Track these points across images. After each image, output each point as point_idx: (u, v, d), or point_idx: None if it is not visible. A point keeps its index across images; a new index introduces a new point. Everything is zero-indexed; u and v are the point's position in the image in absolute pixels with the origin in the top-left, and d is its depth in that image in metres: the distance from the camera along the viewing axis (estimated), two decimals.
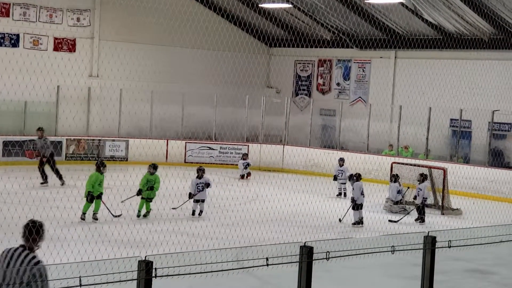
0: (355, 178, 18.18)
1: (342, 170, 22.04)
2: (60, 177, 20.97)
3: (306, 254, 6.58)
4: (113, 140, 27.66)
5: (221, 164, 28.15)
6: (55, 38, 27.74)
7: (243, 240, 14.17)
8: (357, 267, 11.79)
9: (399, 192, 20.10)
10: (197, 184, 17.61)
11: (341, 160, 22.39)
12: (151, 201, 16.96)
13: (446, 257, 10.62)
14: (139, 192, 16.76)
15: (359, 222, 17.67)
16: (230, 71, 28.05)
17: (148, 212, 16.92)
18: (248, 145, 28.57)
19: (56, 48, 27.72)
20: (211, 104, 28.96)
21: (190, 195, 17.53)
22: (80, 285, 5.72)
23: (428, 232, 7.65)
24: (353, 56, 30.82)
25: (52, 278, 5.74)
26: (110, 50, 27.22)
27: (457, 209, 20.39)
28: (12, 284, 6.62)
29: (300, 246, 6.67)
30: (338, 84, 31.61)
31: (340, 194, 21.92)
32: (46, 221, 14.30)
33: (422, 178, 19.07)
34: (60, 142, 26.37)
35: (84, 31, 28.47)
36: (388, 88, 29.47)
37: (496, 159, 24.84)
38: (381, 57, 29.85)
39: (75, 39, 28.21)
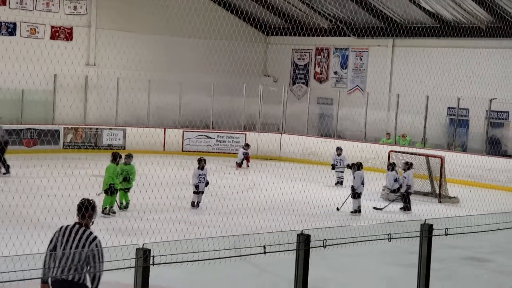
0: (356, 167, 18.21)
1: (340, 159, 22.05)
2: (6, 167, 20.33)
3: (303, 242, 6.60)
4: (111, 129, 27.65)
5: (219, 152, 28.17)
6: (52, 27, 27.68)
7: (240, 228, 14.20)
8: (354, 255, 11.83)
9: (396, 180, 20.11)
10: (199, 175, 17.33)
11: (339, 149, 22.37)
12: (128, 192, 16.54)
13: (443, 245, 10.65)
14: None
15: (358, 210, 17.75)
16: (227, 60, 27.99)
17: (127, 203, 16.50)
18: (246, 134, 28.57)
19: (53, 37, 27.66)
20: (208, 93, 28.94)
21: (198, 188, 17.19)
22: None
23: (425, 220, 7.67)
24: (351, 44, 30.79)
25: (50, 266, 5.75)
26: (107, 39, 27.19)
27: (454, 197, 20.44)
28: (71, 257, 7.26)
29: (297, 234, 6.68)
30: (335, 72, 31.59)
31: (338, 183, 21.95)
32: (43, 209, 14.36)
33: (407, 166, 19.10)
34: (57, 131, 26.36)
35: (80, 19, 28.39)
36: (385, 77, 29.46)
37: (493, 148, 24.87)
38: (378, 46, 29.82)
39: (72, 27, 28.14)
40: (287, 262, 7.29)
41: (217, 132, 28.84)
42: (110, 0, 28.76)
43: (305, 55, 32.60)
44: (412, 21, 27.82)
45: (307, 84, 32.22)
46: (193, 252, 6.40)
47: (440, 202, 20.09)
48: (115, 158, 16.07)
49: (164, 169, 17.16)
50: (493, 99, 24.98)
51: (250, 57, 27.42)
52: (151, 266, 6.05)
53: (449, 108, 26.75)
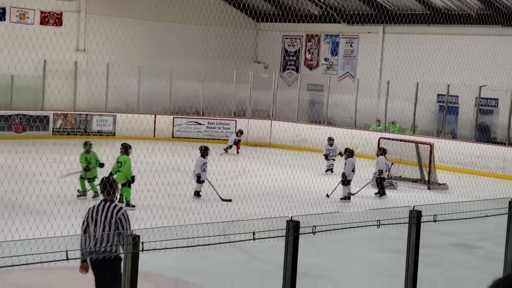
0: (348, 153, 18.23)
1: (332, 149, 22.05)
2: None
3: (293, 228, 6.61)
4: (100, 115, 27.57)
5: (209, 139, 28.13)
6: (42, 12, 27.52)
7: (230, 214, 14.22)
8: (343, 241, 11.88)
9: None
10: (203, 164, 17.07)
11: (331, 140, 22.27)
12: (93, 181, 16.17)
13: (432, 231, 10.70)
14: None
15: (348, 197, 17.79)
16: (217, 46, 27.96)
17: (96, 192, 15.99)
18: (236, 120, 28.56)
19: (42, 22, 27.51)
20: (198, 79, 28.89)
21: (199, 178, 16.93)
22: (67, 258, 5.72)
23: (414, 206, 7.69)
24: (341, 31, 30.75)
25: (38, 252, 5.75)
26: (97, 24, 27.02)
27: (443, 184, 20.51)
28: (102, 230, 8.07)
29: (287, 221, 6.69)
30: (326, 59, 31.57)
31: (328, 170, 21.97)
32: (32, 195, 14.32)
33: (381, 152, 19.16)
34: (47, 117, 26.26)
35: (70, 4, 28.23)
36: (375, 64, 29.47)
37: (483, 135, 24.96)
38: (369, 32, 29.81)
39: (61, 13, 27.99)
40: (277, 249, 7.31)
41: (207, 119, 28.81)
42: None
43: (295, 41, 32.55)
44: (402, 8, 27.80)
45: (297, 71, 32.20)
46: (183, 238, 6.40)
47: (429, 188, 20.17)
48: (127, 150, 15.67)
49: (154, 155, 17.12)
50: (483, 86, 25.04)
51: (241, 43, 27.36)
52: (140, 253, 6.05)
53: (439, 95, 26.80)
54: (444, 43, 26.95)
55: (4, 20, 26.65)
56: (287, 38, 32.74)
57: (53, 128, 26.55)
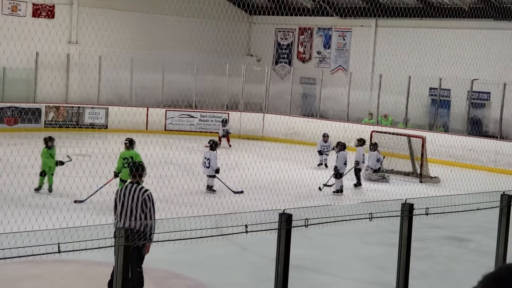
0: (340, 147, 18.23)
1: (327, 146, 22.03)
2: None
3: (285, 221, 6.62)
4: (93, 108, 27.50)
5: (201, 132, 28.12)
6: (34, 4, 27.40)
7: (222, 207, 14.22)
8: (336, 234, 11.91)
9: (378, 160, 20.23)
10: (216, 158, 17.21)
11: (326, 136, 22.23)
12: (52, 175, 16.20)
13: (424, 224, 10.74)
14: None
15: (340, 190, 17.82)
16: (210, 39, 27.91)
17: (50, 186, 16.06)
18: (228, 113, 28.54)
19: (34, 14, 27.39)
20: (191, 72, 28.84)
21: (218, 171, 17.03)
22: (59, 251, 5.71)
23: (406, 199, 7.71)
24: (334, 24, 30.75)
25: (31, 245, 5.74)
26: (89, 17, 26.94)
27: (435, 177, 20.57)
28: (129, 209, 8.70)
29: (279, 214, 6.70)
30: (318, 52, 31.57)
31: (321, 164, 21.97)
32: (24, 187, 14.29)
33: (360, 143, 19.26)
34: (39, 109, 26.18)
35: None
36: (368, 57, 29.48)
37: (475, 128, 25.02)
38: (361, 26, 29.81)
39: (53, 5, 27.87)
40: (269, 241, 7.32)
41: (200, 112, 28.78)
42: None
43: (288, 34, 32.53)
44: (395, 1, 27.81)
45: (290, 64, 32.18)
46: (175, 231, 6.40)
47: (421, 182, 20.22)
48: (132, 144, 15.55)
49: (147, 148, 17.10)
50: (475, 79, 25.09)
51: (234, 36, 27.32)
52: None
53: (431, 88, 26.84)
54: (437, 36, 26.99)
55: None
56: (280, 31, 32.72)
57: (45, 121, 26.47)
